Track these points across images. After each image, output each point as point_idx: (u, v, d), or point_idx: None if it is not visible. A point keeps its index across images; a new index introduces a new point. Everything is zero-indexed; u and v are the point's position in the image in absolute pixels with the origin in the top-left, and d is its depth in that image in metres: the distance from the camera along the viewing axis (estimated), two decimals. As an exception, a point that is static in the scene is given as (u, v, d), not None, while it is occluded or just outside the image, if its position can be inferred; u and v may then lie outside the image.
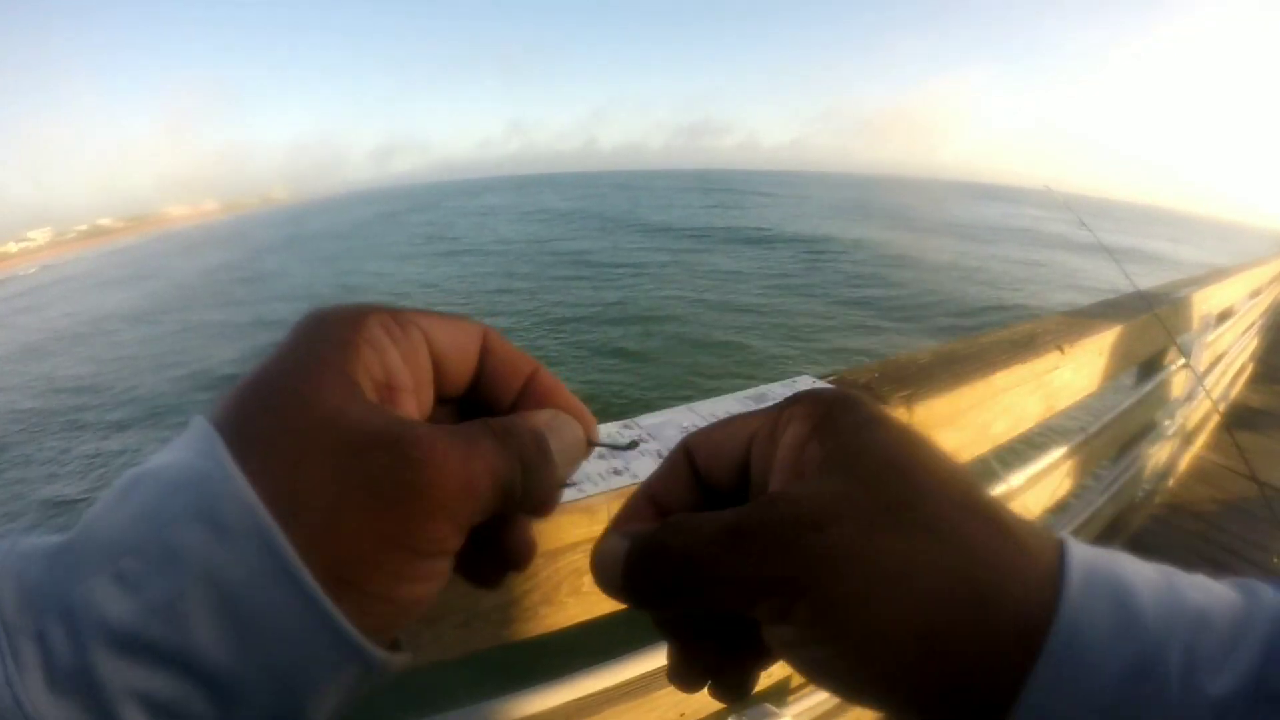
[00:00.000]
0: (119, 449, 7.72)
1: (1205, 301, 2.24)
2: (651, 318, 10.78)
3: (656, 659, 0.80)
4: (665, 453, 0.67)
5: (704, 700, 0.85)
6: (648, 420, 0.71)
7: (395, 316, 0.25)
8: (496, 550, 0.27)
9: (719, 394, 0.81)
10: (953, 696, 0.20)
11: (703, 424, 0.30)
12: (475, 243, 24.75)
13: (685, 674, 0.27)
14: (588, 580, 0.68)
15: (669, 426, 0.70)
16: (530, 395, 0.28)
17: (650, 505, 0.28)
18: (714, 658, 0.26)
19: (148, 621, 0.17)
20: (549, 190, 69.20)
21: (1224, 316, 2.70)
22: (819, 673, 0.22)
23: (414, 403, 0.25)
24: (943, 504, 0.21)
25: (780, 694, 1.05)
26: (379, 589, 0.20)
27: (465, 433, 0.22)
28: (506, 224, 31.99)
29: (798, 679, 1.06)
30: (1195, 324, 2.23)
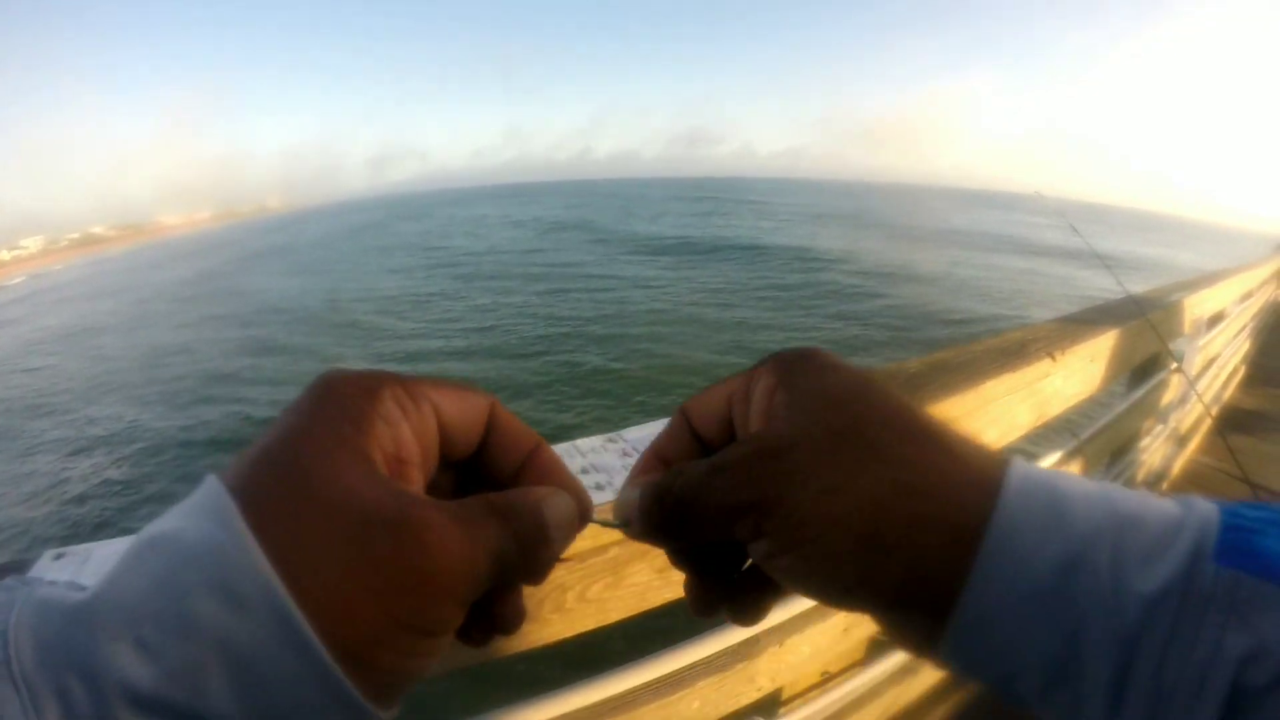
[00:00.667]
0: (73, 471, 7.57)
1: (1197, 305, 2.25)
2: (641, 336, 10.62)
3: (643, 674, 0.79)
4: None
5: (691, 714, 0.84)
6: (632, 433, 0.70)
7: (407, 389, 0.26)
8: (487, 615, 0.28)
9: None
10: (902, 591, 0.23)
11: None
12: (465, 254, 24.48)
13: (701, 602, 0.31)
14: (571, 596, 0.67)
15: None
16: (531, 470, 0.29)
17: (658, 461, 0.33)
18: (727, 587, 0.30)
19: (167, 686, 0.18)
20: (544, 199, 69.23)
21: (1215, 320, 2.71)
22: (791, 579, 0.25)
23: (420, 475, 0.26)
24: (885, 430, 0.25)
25: (770, 706, 1.04)
26: (385, 664, 0.21)
27: (468, 513, 0.23)
28: (499, 234, 31.76)
29: (788, 692, 1.05)
30: (1187, 328, 2.24)
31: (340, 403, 0.24)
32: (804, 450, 0.24)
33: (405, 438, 0.25)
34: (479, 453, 0.29)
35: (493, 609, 0.28)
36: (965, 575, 0.21)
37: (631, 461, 0.67)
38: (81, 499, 6.70)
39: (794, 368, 0.28)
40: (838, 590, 0.24)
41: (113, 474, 7.24)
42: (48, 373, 13.24)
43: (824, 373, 0.27)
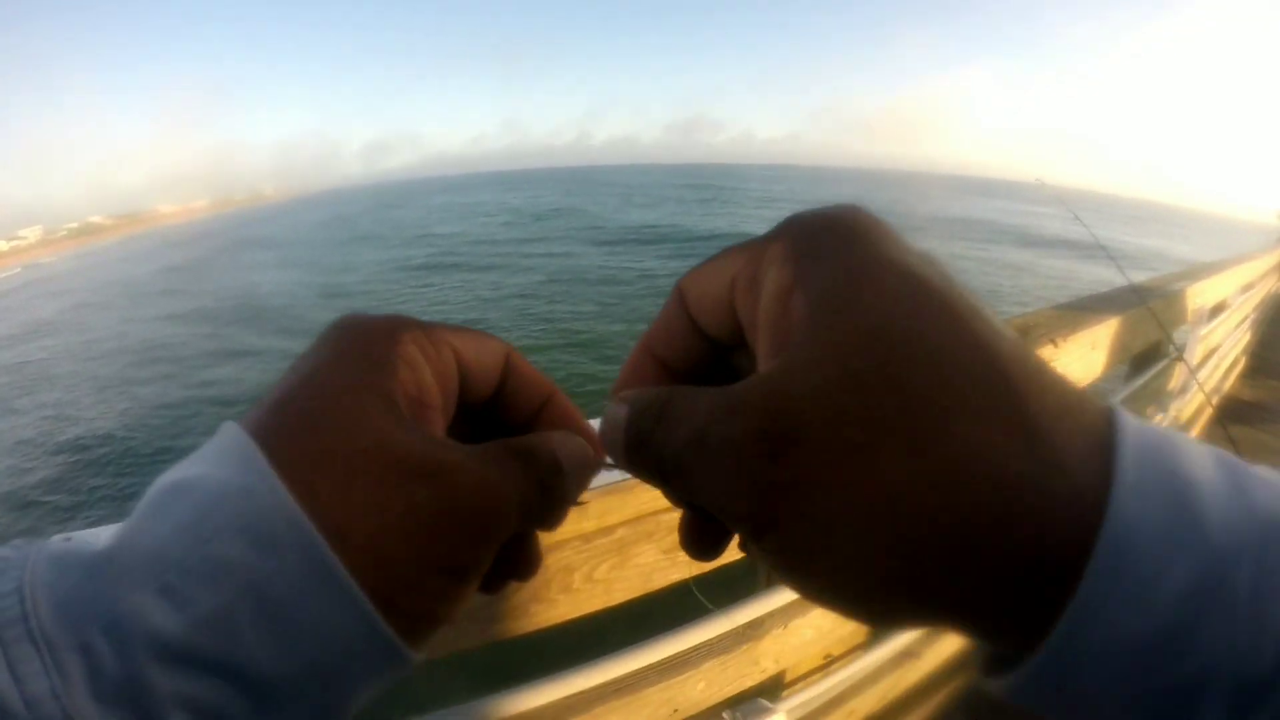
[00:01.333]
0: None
1: (1198, 295, 2.25)
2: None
3: (648, 656, 0.80)
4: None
5: (695, 696, 0.84)
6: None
7: (428, 334, 0.25)
8: (504, 560, 0.28)
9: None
10: (961, 620, 0.17)
11: None
12: (462, 243, 24.10)
13: (698, 542, 0.26)
14: (578, 577, 0.67)
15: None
16: (546, 416, 0.29)
17: (651, 360, 0.27)
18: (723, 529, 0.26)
19: (197, 633, 0.17)
20: (542, 185, 68.43)
21: (1217, 310, 2.71)
22: (806, 595, 0.20)
23: (442, 420, 0.26)
24: (947, 403, 0.17)
25: (774, 688, 1.05)
26: (417, 608, 0.21)
27: (495, 458, 0.23)
28: (496, 222, 31.32)
29: (791, 674, 1.06)
30: (1188, 317, 2.24)
31: (361, 346, 0.23)
32: (821, 442, 0.18)
33: (427, 381, 0.24)
34: (494, 400, 0.28)
35: (510, 553, 0.27)
36: (1058, 608, 0.16)
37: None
38: (70, 506, 6.55)
39: (818, 256, 0.21)
40: (865, 615, 0.19)
41: (95, 480, 7.09)
42: (34, 368, 13.02)
43: (861, 267, 0.20)
